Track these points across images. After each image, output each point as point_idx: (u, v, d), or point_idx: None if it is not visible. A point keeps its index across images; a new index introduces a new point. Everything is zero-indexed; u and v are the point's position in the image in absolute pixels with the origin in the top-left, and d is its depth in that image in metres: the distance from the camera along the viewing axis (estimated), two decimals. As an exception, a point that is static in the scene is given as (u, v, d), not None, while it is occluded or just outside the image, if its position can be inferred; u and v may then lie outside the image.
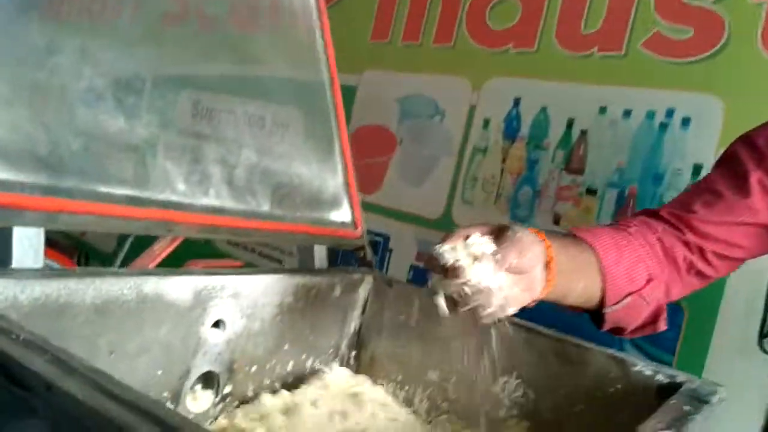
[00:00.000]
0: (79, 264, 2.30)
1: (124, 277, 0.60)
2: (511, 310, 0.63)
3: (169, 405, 0.67)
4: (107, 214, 0.62)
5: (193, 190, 0.71)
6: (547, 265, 0.64)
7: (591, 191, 1.39)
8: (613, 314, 0.72)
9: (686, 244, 0.75)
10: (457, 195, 1.55)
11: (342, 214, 0.94)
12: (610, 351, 0.79)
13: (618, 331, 0.76)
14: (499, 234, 0.63)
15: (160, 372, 0.65)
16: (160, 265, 0.77)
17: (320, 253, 0.90)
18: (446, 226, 1.55)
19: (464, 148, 1.55)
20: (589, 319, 0.77)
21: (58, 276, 0.55)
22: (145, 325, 0.62)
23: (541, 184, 1.44)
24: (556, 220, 1.42)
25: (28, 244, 0.56)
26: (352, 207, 0.95)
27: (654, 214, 0.77)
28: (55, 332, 0.55)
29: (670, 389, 0.74)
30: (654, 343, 1.29)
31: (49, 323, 0.54)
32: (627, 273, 0.70)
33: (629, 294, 0.71)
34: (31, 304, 0.52)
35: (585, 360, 0.80)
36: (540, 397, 0.82)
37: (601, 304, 0.71)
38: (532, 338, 0.83)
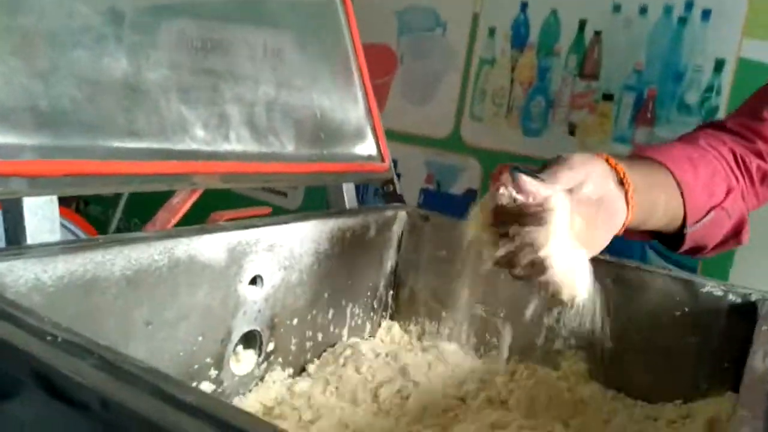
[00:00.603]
0: (78, 211, 2.22)
1: (154, 241, 0.53)
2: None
3: (214, 371, 0.62)
4: (125, 172, 0.55)
5: (213, 135, 0.64)
6: (621, 181, 0.57)
7: (607, 96, 1.33)
8: (695, 233, 0.66)
9: (758, 153, 0.68)
10: (466, 111, 1.49)
11: (367, 146, 0.87)
12: (675, 272, 0.74)
13: (697, 250, 0.70)
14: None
15: (200, 338, 0.60)
16: (183, 220, 0.70)
17: (349, 192, 0.84)
18: (456, 145, 1.50)
19: (470, 61, 1.47)
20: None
21: (82, 248, 0.49)
22: (180, 291, 0.57)
23: (554, 92, 1.38)
24: (572, 131, 1.37)
25: (41, 215, 0.49)
26: (377, 138, 0.88)
27: (719, 127, 0.71)
28: (85, 311, 0.49)
29: (741, 310, 0.70)
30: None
31: (78, 302, 0.48)
32: (706, 186, 0.64)
33: (711, 209, 0.65)
34: (55, 283, 0.46)
35: (647, 284, 0.75)
36: (599, 327, 0.78)
37: (683, 223, 0.65)
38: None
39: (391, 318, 0.89)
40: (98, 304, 0.50)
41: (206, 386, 0.61)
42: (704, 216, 0.65)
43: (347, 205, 0.82)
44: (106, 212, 2.00)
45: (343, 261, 0.77)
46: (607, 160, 0.58)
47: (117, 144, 0.56)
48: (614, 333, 0.77)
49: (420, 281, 0.87)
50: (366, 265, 0.82)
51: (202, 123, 0.63)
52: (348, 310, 0.80)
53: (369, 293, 0.84)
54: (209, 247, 0.58)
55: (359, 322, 0.83)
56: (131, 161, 0.56)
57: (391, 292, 0.88)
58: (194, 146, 0.62)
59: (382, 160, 0.88)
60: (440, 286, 0.86)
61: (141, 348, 0.54)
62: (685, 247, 0.69)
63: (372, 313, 0.85)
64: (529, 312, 0.75)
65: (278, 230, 0.66)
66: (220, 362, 0.63)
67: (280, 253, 0.67)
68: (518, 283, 0.81)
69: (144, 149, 0.58)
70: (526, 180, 0.49)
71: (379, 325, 0.87)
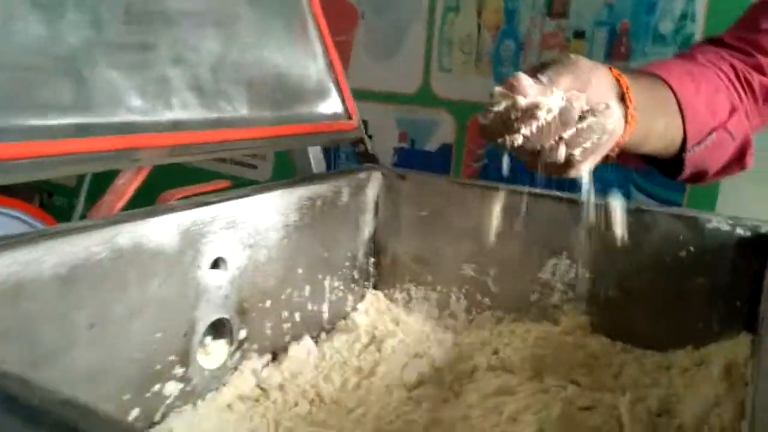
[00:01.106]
0: (42, 203, 2.12)
1: (91, 232, 0.46)
2: (594, 159, 0.50)
3: (179, 368, 0.55)
4: (54, 153, 0.48)
5: (152, 104, 0.56)
6: (623, 96, 0.51)
7: (578, 34, 1.27)
8: (695, 156, 0.60)
9: (758, 67, 0.62)
10: (434, 63, 1.43)
11: (332, 104, 0.79)
12: (677, 210, 0.69)
13: (699, 176, 0.64)
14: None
15: (159, 334, 0.53)
16: (131, 202, 0.62)
17: (316, 156, 0.77)
18: (427, 100, 1.44)
19: (433, 9, 1.40)
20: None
21: (4, 248, 0.41)
22: (128, 285, 0.49)
23: (523, 35, 1.32)
24: (544, 72, 1.31)
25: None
26: (341, 94, 0.80)
27: (716, 42, 0.64)
28: (17, 320, 0.42)
29: (751, 244, 0.65)
30: (659, 183, 1.22)
31: (5, 311, 0.41)
32: (708, 104, 0.58)
33: (713, 130, 0.59)
34: (-29, 293, 0.39)
35: (646, 225, 0.69)
36: (597, 276, 0.72)
37: (682, 146, 0.59)
38: (579, 210, 0.72)
39: (375, 287, 0.82)
40: (29, 312, 0.43)
41: (172, 387, 0.55)
42: (706, 137, 0.59)
43: (315, 171, 0.75)
44: (72, 202, 1.91)
45: (315, 232, 0.70)
46: (610, 70, 0.52)
47: (35, 122, 0.48)
48: (615, 281, 0.72)
49: (402, 245, 0.81)
50: (342, 234, 0.75)
51: (137, 90, 0.55)
52: (326, 284, 0.74)
53: (348, 264, 0.77)
54: (157, 231, 0.51)
55: (340, 295, 0.76)
56: (55, 141, 0.48)
57: (372, 259, 0.82)
58: (131, 118, 0.54)
59: (350, 117, 0.81)
60: (424, 249, 0.80)
61: (86, 355, 0.47)
62: (686, 173, 0.63)
63: (353, 285, 0.78)
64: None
65: (237, 205, 0.59)
66: (186, 358, 0.56)
67: (242, 230, 0.60)
68: (508, 238, 0.75)
69: (69, 126, 0.50)
70: (523, 80, 0.43)
71: (362, 297, 0.81)
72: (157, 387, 0.53)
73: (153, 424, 0.53)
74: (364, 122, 0.85)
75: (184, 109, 0.59)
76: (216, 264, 0.58)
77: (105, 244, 0.47)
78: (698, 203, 1.16)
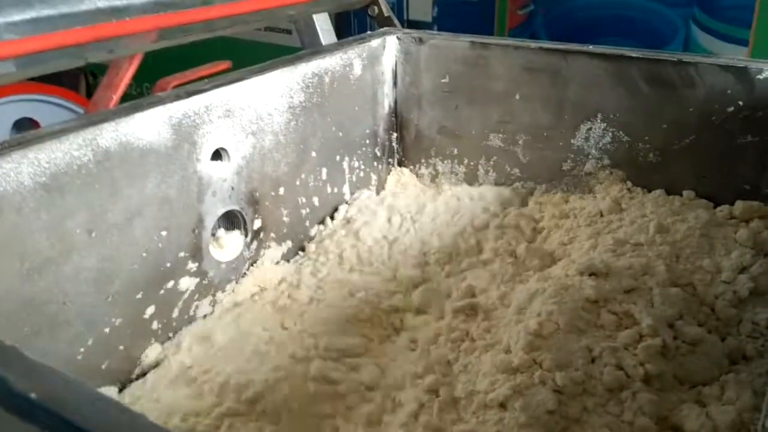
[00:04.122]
0: (88, 85, 2.11)
1: (68, 134, 0.43)
2: None
3: (192, 264, 0.54)
4: (14, 54, 0.44)
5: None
6: None
7: None
8: None
9: None
10: None
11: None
12: (724, 59, 0.61)
13: None
14: None
15: (164, 233, 0.51)
16: (127, 94, 0.59)
17: (324, 24, 0.71)
18: None
19: None
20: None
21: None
22: (121, 186, 0.47)
23: None
24: None
25: None
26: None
27: None
28: (5, 235, 0.41)
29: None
30: (725, 18, 1.10)
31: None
32: None
33: None
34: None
35: (691, 79, 0.62)
36: (636, 138, 0.66)
37: None
38: (616, 66, 0.65)
39: (399, 164, 0.79)
40: (18, 224, 0.41)
41: (187, 282, 0.54)
42: None
43: (323, 42, 0.69)
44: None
45: (326, 111, 0.66)
46: None
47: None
48: (654, 143, 0.66)
49: (425, 118, 0.76)
50: (358, 110, 0.71)
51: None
52: (345, 166, 0.70)
53: (367, 141, 0.73)
54: (145, 128, 0.48)
55: (361, 175, 0.73)
56: (24, 38, 0.45)
57: (395, 134, 0.77)
58: (106, 3, 0.50)
59: (359, -23, 0.74)
60: (448, 120, 0.75)
61: (89, 260, 0.46)
62: None
63: (376, 163, 0.75)
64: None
65: (233, 90, 0.55)
66: (198, 253, 0.55)
67: (242, 117, 0.56)
68: (537, 102, 0.69)
69: (34, 19, 0.46)
70: None
71: (388, 175, 0.78)
72: (170, 284, 0.53)
73: (173, 320, 0.54)
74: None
75: (166, -13, 0.54)
76: (217, 155, 0.55)
77: (86, 146, 0.44)
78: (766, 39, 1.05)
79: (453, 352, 0.50)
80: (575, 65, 0.67)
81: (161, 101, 0.50)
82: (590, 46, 0.66)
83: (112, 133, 0.46)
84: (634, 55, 0.64)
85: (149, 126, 0.48)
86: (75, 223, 0.45)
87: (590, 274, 0.52)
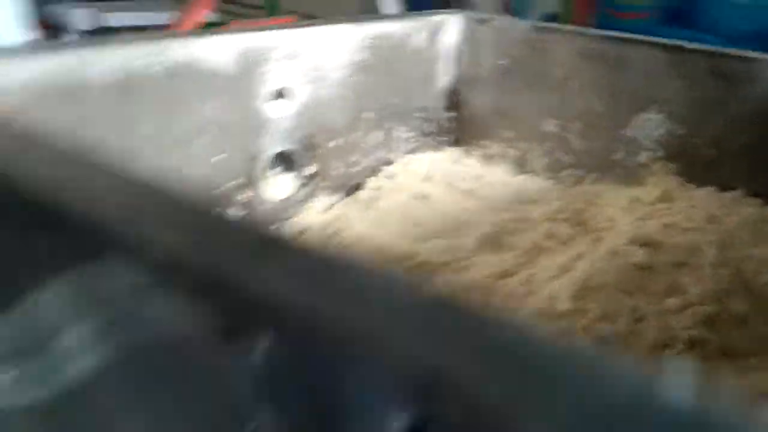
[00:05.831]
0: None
1: (139, 43, 0.45)
2: None
3: (243, 194, 0.56)
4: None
5: None
6: None
7: None
8: None
9: None
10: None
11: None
12: (792, 55, 0.60)
13: None
14: None
15: (224, 155, 0.53)
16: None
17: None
18: None
19: None
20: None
21: (52, 50, 0.41)
22: (190, 101, 0.49)
23: None
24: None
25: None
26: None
27: None
28: (73, 120, 0.43)
29: None
30: None
31: (67, 109, 0.42)
32: None
33: None
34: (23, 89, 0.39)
35: (754, 75, 0.61)
36: (692, 132, 0.66)
37: None
38: (679, 58, 0.65)
39: (452, 143, 0.79)
40: (87, 116, 0.43)
41: (234, 213, 0.55)
42: None
43: (385, 11, 0.71)
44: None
45: (384, 76, 0.67)
46: None
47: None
48: (711, 137, 0.65)
49: (481, 98, 0.76)
50: (414, 81, 0.72)
51: None
52: (397, 134, 0.71)
53: (422, 115, 0.74)
54: (212, 51, 0.50)
55: (413, 147, 0.74)
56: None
57: (450, 114, 0.78)
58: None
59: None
60: (504, 101, 0.75)
61: (152, 169, 0.47)
62: None
63: (429, 138, 0.76)
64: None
65: (298, 34, 0.56)
66: (249, 185, 0.56)
67: (304, 63, 0.58)
68: (593, 89, 0.70)
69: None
70: None
71: (439, 151, 0.78)
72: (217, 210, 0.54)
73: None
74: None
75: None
76: (278, 94, 0.56)
77: (157, 55, 0.46)
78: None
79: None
80: (635, 55, 0.67)
81: (230, 32, 0.52)
82: (650, 36, 0.66)
83: (180, 50, 0.48)
84: (695, 47, 0.64)
85: (216, 50, 0.50)
86: (142, 129, 0.46)
87: (641, 245, 0.52)
